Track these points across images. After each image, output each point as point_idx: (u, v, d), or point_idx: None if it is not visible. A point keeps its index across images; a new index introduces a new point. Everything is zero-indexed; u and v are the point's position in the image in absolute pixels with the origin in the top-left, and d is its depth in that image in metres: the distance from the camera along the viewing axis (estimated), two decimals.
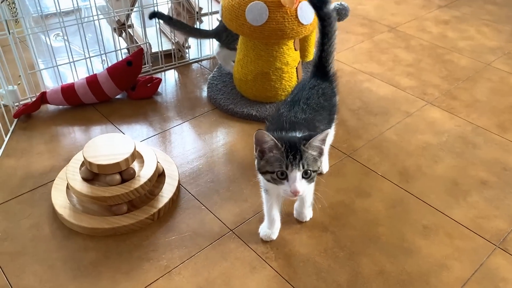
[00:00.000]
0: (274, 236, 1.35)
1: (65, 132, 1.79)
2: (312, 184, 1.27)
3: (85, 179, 1.41)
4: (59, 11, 1.83)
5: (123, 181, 1.40)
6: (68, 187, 1.45)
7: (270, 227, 1.34)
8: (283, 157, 1.05)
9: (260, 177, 1.21)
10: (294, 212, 1.42)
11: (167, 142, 1.76)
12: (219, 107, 1.94)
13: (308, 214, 1.42)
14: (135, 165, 1.47)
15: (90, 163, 1.37)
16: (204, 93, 2.06)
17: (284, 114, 1.27)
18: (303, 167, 1.05)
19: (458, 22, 2.79)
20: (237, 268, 1.28)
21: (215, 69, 2.17)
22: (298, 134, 1.15)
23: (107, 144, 1.44)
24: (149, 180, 1.42)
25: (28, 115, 1.87)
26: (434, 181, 1.60)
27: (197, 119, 1.89)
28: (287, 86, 1.90)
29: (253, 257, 1.30)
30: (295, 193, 1.06)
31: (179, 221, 1.42)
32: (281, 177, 1.07)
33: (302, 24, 1.72)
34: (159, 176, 1.52)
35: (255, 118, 1.85)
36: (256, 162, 1.13)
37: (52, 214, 1.42)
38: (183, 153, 1.70)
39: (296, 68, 1.91)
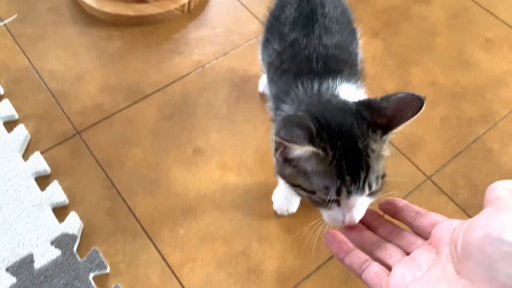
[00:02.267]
0: (294, 208, 0.92)
1: None
2: None
3: None
4: None
5: None
6: None
7: (288, 199, 0.91)
8: (334, 173, 0.52)
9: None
10: None
11: None
12: None
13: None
14: None
15: None
16: None
17: (302, 43, 0.72)
18: (370, 188, 0.54)
19: None
20: None
21: None
22: (337, 79, 0.65)
23: None
24: None
25: None
26: None
27: None
28: None
29: None
30: (350, 225, 0.54)
31: (211, 16, 1.27)
32: (328, 202, 0.55)
33: None
34: None
35: None
36: (274, 161, 0.62)
37: None
38: None
39: None
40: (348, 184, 0.52)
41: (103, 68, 1.15)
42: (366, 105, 0.54)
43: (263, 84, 1.11)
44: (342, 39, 0.75)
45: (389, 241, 0.48)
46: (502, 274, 0.34)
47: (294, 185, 0.58)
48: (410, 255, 0.44)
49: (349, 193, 0.53)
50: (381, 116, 0.53)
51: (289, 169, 0.57)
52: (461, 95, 1.15)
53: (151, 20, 1.22)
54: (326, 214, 0.57)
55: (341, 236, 0.49)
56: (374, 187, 0.54)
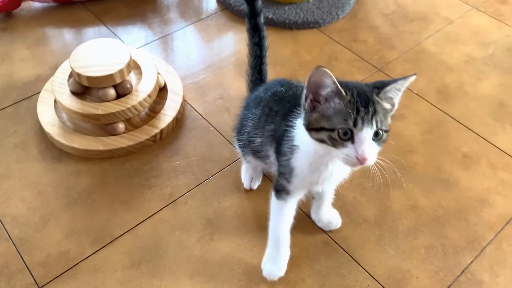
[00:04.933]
0: (282, 272, 0.98)
1: (51, 34, 1.55)
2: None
3: (74, 93, 1.21)
4: None
5: (119, 96, 1.20)
6: (56, 101, 1.26)
7: (276, 258, 0.98)
8: (351, 109, 0.72)
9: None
10: (312, 213, 1.09)
11: (168, 50, 1.52)
12: (229, 7, 1.67)
13: (332, 217, 1.08)
14: (132, 77, 1.26)
15: (78, 74, 1.16)
16: None
17: (282, 91, 0.98)
18: (377, 125, 0.73)
19: None
20: (252, 199, 1.13)
21: None
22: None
23: (98, 51, 1.21)
24: (149, 95, 1.22)
25: (8, 14, 1.61)
26: (477, 101, 1.39)
27: (204, 22, 1.63)
28: None
29: (269, 186, 1.14)
30: (363, 160, 0.73)
31: (184, 143, 1.24)
32: (344, 137, 0.73)
33: None
34: (160, 91, 1.32)
35: (271, 22, 1.59)
36: (303, 115, 0.79)
37: (39, 132, 1.25)
38: (187, 63, 1.47)
39: None
40: (363, 115, 0.72)
41: (70, 209, 1.10)
42: (373, 83, 0.78)
43: (246, 179, 1.15)
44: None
45: None
46: None
47: (318, 130, 0.76)
48: None
49: (362, 123, 0.72)
50: (378, 85, 0.76)
51: (315, 115, 0.76)
52: (444, 219, 1.11)
53: (121, 153, 1.19)
54: (342, 154, 0.74)
55: None
56: (379, 125, 0.73)
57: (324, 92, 0.74)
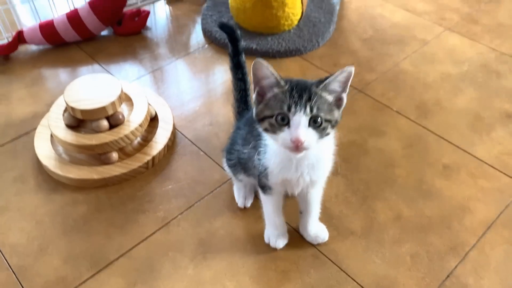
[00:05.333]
0: (286, 240, 1.11)
1: (47, 74, 1.63)
2: (319, 192, 1.06)
3: (69, 126, 1.27)
4: None
5: (111, 127, 1.27)
6: (52, 135, 1.32)
7: (278, 233, 1.10)
8: (286, 96, 0.80)
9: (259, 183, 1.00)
10: (300, 228, 1.14)
11: (159, 82, 1.60)
12: (215, 41, 1.76)
13: (319, 231, 1.12)
14: (124, 108, 1.33)
15: (72, 108, 1.23)
16: (198, 26, 1.86)
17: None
18: (311, 111, 0.79)
19: None
20: (241, 218, 1.17)
21: None
22: None
23: (91, 86, 1.28)
24: (140, 125, 1.28)
25: (6, 57, 1.70)
26: (454, 115, 1.45)
27: (192, 55, 1.71)
28: (291, 15, 1.70)
29: (258, 205, 1.19)
30: (296, 142, 0.79)
31: (175, 169, 1.30)
32: (282, 122, 0.81)
33: None
34: (151, 120, 1.38)
35: (255, 52, 1.67)
36: (254, 109, 0.87)
37: (37, 166, 1.30)
38: (177, 94, 1.54)
39: None
40: (296, 100, 0.79)
41: (67, 236, 1.14)
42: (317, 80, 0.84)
43: (240, 198, 1.19)
44: None
45: None
46: None
47: (263, 119, 0.84)
48: None
49: (296, 107, 0.79)
50: (320, 80, 0.83)
51: (260, 106, 0.84)
52: (428, 227, 1.15)
53: (115, 181, 1.24)
54: (280, 138, 0.82)
55: None
56: (315, 111, 0.79)
57: (266, 83, 0.82)
